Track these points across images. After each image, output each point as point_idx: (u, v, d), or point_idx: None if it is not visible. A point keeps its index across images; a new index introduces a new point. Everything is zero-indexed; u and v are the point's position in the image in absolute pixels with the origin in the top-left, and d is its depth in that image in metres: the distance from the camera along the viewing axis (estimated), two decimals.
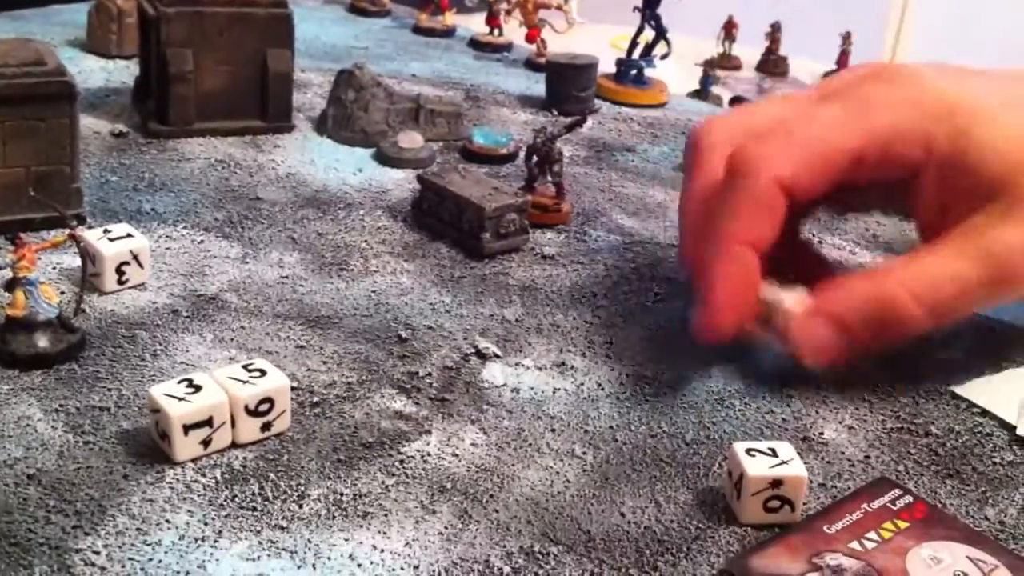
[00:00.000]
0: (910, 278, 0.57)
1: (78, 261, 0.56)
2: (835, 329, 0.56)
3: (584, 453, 0.51)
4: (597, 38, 1.47)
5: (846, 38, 1.97)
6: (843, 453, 0.53)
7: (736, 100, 1.49)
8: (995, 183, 0.57)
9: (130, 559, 0.42)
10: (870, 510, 0.48)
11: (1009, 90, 0.61)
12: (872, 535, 0.46)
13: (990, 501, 0.51)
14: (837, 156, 0.58)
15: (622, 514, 0.48)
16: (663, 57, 1.09)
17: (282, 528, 0.44)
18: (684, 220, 0.64)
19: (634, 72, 1.08)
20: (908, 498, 0.49)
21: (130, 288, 0.61)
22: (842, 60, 1.97)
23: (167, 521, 0.44)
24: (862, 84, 0.61)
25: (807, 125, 0.59)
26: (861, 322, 0.56)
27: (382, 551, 0.44)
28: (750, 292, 0.57)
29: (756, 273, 0.57)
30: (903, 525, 0.47)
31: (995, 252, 0.56)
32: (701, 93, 1.57)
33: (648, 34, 1.08)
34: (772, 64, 1.97)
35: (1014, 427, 0.57)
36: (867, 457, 0.53)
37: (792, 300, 0.57)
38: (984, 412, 0.58)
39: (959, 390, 0.60)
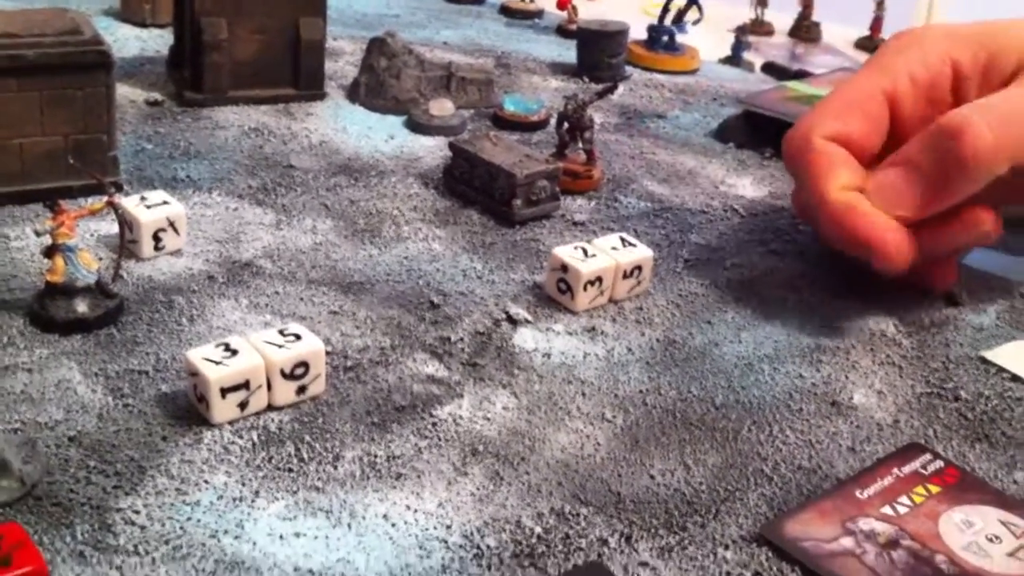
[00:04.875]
0: (980, 107, 0.58)
1: (116, 228, 0.57)
2: (904, 170, 0.59)
3: (614, 417, 0.52)
4: (628, 4, 1.46)
5: (880, 3, 1.95)
6: (872, 418, 0.54)
7: (768, 66, 1.48)
8: None
9: (169, 518, 0.43)
10: (901, 475, 0.48)
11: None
12: (904, 500, 0.46)
13: (1019, 465, 0.51)
14: (869, 100, 0.62)
15: (651, 476, 0.48)
16: (695, 23, 1.09)
17: (317, 489, 0.45)
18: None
19: (665, 38, 1.07)
20: (939, 463, 0.49)
21: (167, 254, 0.61)
22: (875, 25, 1.95)
23: (205, 481, 0.45)
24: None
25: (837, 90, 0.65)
26: (930, 154, 0.58)
27: (415, 511, 0.45)
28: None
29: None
30: (935, 490, 0.47)
31: None
32: (733, 59, 1.56)
33: (680, 0, 1.08)
34: (804, 30, 1.96)
35: None
36: (896, 422, 0.54)
37: None
38: (1014, 377, 0.58)
39: (988, 355, 0.60)
